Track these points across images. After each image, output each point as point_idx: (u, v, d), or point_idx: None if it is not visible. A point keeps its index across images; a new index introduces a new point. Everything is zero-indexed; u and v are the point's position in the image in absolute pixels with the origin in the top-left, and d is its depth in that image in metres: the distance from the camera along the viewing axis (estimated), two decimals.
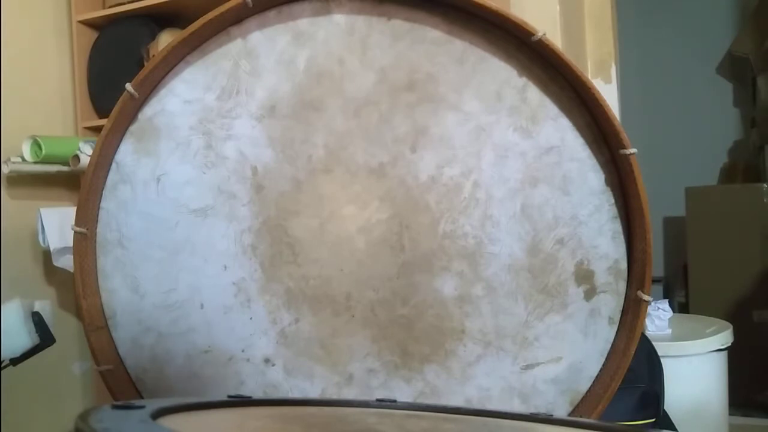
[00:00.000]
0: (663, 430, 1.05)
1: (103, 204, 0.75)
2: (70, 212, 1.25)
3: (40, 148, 1.48)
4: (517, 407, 0.72)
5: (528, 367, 0.72)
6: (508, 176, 0.72)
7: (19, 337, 1.01)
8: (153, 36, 1.56)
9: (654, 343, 1.21)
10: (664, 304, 1.46)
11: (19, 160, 1.50)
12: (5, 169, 1.48)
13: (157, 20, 1.61)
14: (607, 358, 0.73)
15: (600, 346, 0.73)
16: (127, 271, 0.75)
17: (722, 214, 2.39)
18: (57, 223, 1.50)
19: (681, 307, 2.53)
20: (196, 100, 0.74)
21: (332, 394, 0.73)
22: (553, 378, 0.72)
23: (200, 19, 0.70)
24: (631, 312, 0.71)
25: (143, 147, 0.75)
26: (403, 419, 0.54)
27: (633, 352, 0.70)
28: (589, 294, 0.72)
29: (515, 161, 0.72)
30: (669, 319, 1.44)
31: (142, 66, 0.82)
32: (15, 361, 1.05)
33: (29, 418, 1.55)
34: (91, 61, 1.68)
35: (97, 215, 0.75)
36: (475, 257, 0.72)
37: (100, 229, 0.75)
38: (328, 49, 0.73)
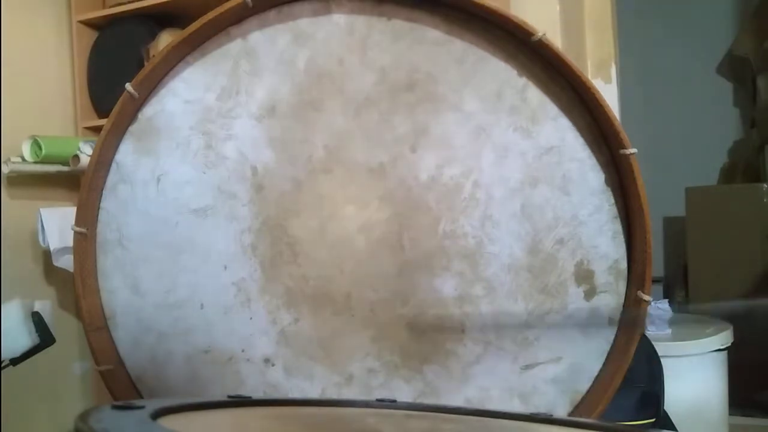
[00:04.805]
0: (663, 430, 1.05)
1: (103, 204, 0.75)
2: (70, 212, 1.25)
3: (40, 148, 1.48)
4: (517, 407, 0.72)
5: (528, 367, 0.72)
6: (508, 176, 0.72)
7: (19, 337, 1.01)
8: (153, 36, 1.56)
9: (654, 343, 1.21)
10: (664, 304, 1.46)
11: (19, 160, 1.50)
12: (5, 169, 1.48)
13: (157, 20, 1.61)
14: (607, 358, 0.73)
15: (600, 346, 0.73)
16: (127, 271, 0.75)
17: (722, 214, 2.38)
18: (57, 223, 1.50)
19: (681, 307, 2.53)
20: (196, 100, 0.74)
21: (332, 394, 0.73)
22: (553, 378, 0.72)
23: (200, 19, 0.70)
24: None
25: (143, 147, 0.75)
26: (403, 419, 0.54)
27: (633, 352, 0.70)
28: (589, 294, 0.72)
29: (515, 161, 0.72)
30: (669, 319, 1.44)
31: (142, 66, 0.82)
32: (15, 361, 1.05)
33: (29, 418, 1.55)
34: (91, 61, 1.68)
35: (97, 215, 0.75)
36: (475, 257, 0.72)
37: (100, 229, 0.75)
38: (328, 49, 0.73)
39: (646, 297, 0.70)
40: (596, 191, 0.72)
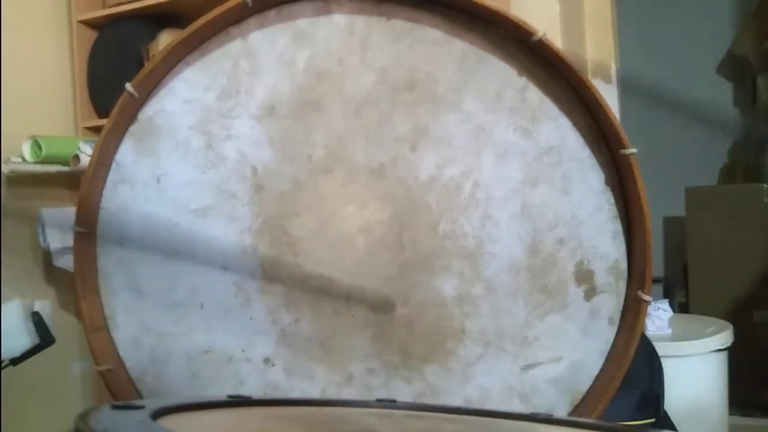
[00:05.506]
0: (663, 430, 1.05)
1: (103, 204, 0.75)
2: (70, 212, 1.25)
3: (40, 148, 1.47)
4: (517, 407, 0.72)
5: (528, 367, 0.72)
6: (508, 176, 0.72)
7: (19, 337, 1.01)
8: (153, 36, 1.56)
9: (654, 343, 1.21)
10: (664, 304, 1.46)
11: (19, 160, 1.50)
12: (5, 169, 1.48)
13: (157, 20, 1.61)
14: (607, 358, 0.73)
15: (600, 346, 0.73)
16: (127, 271, 0.75)
17: (722, 214, 2.38)
18: (57, 223, 1.50)
19: (681, 307, 2.53)
20: (196, 100, 0.74)
21: (332, 394, 0.73)
22: (553, 378, 0.72)
23: (200, 19, 0.70)
24: (631, 312, 0.71)
25: (143, 147, 0.75)
26: (403, 419, 0.54)
27: (633, 352, 0.70)
28: (589, 294, 0.72)
29: (515, 161, 0.72)
30: (669, 319, 1.44)
31: (142, 66, 0.82)
32: (15, 361, 1.05)
33: (29, 418, 1.55)
34: (91, 61, 1.68)
35: (97, 215, 0.75)
36: (475, 257, 0.72)
37: (100, 229, 0.75)
38: (328, 49, 0.73)
39: (646, 297, 0.70)
40: (596, 191, 0.72)
